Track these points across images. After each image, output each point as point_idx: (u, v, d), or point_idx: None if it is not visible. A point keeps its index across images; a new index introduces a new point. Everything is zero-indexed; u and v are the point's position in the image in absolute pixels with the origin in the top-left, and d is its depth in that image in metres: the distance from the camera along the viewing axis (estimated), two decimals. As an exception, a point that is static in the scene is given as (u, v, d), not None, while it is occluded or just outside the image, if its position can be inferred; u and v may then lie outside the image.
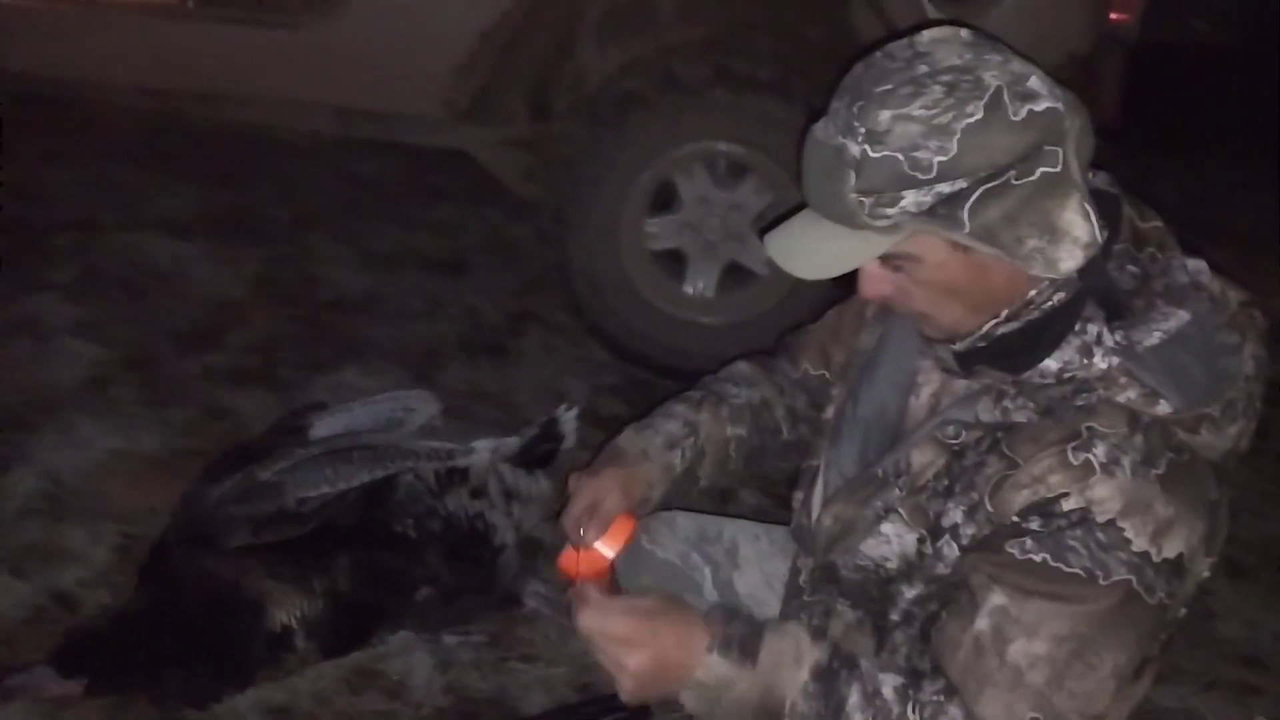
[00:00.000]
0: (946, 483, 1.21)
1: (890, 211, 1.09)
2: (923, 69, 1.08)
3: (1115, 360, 1.12)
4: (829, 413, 1.44)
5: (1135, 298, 1.15)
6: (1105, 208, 1.16)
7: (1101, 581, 1.08)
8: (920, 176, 1.06)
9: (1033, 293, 1.15)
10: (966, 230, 1.08)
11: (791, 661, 1.15)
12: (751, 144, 2.68)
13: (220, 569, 1.85)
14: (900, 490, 1.25)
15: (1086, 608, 1.09)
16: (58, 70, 3.02)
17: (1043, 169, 1.07)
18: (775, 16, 2.84)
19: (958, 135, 1.05)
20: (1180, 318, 1.13)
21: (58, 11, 3.00)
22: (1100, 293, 1.16)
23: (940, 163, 1.06)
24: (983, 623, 1.11)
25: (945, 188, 1.07)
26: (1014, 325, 1.16)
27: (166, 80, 2.99)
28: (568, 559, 1.42)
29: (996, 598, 1.11)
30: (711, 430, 1.50)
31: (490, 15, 2.65)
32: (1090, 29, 2.61)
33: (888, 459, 1.29)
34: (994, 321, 1.17)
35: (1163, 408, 1.10)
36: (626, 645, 1.15)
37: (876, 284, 1.18)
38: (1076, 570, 1.08)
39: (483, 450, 2.03)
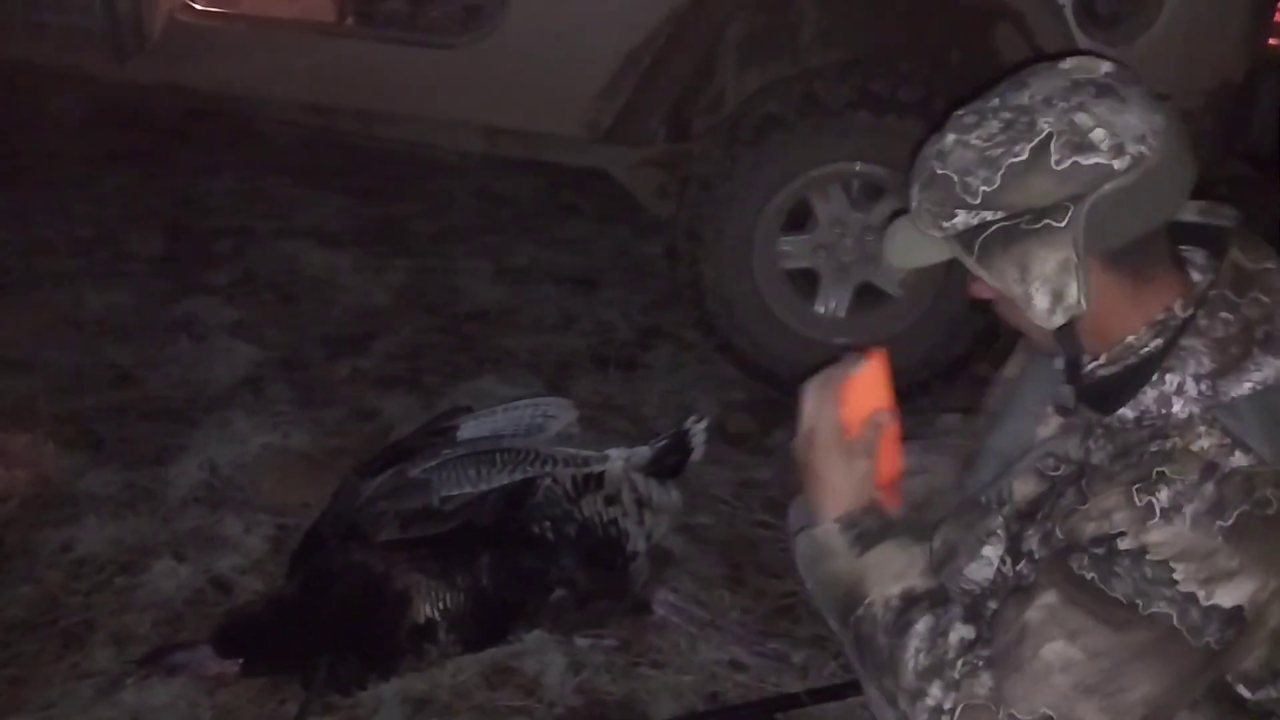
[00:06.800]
0: (1032, 508, 1.26)
1: (944, 225, 1.20)
2: (995, 101, 1.19)
3: (1196, 409, 1.12)
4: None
5: (1231, 345, 1.14)
6: (1209, 246, 1.20)
7: (1141, 611, 1.10)
8: (969, 200, 1.17)
9: (1131, 338, 1.18)
10: (974, 259, 1.19)
11: (893, 574, 1.27)
12: (891, 165, 2.68)
13: (369, 561, 1.93)
14: (1002, 517, 1.30)
15: (1126, 636, 1.11)
16: (226, 85, 3.19)
17: (1048, 220, 1.14)
18: (917, 39, 2.84)
19: (1002, 170, 1.15)
20: (1277, 368, 1.12)
21: (228, 29, 3.18)
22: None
23: (985, 192, 1.16)
24: (1032, 614, 1.15)
25: (989, 216, 1.16)
26: (1113, 369, 1.20)
27: (324, 96, 3.11)
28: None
29: (1049, 596, 1.15)
30: None
31: (635, 38, 2.70)
32: (1244, 55, 2.53)
33: (992, 487, 1.33)
34: (1095, 363, 1.22)
35: (1238, 459, 1.09)
36: (810, 466, 1.33)
37: (978, 287, 1.26)
38: (1118, 596, 1.11)
39: (616, 459, 2.08)
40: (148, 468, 2.48)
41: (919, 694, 1.20)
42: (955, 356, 2.78)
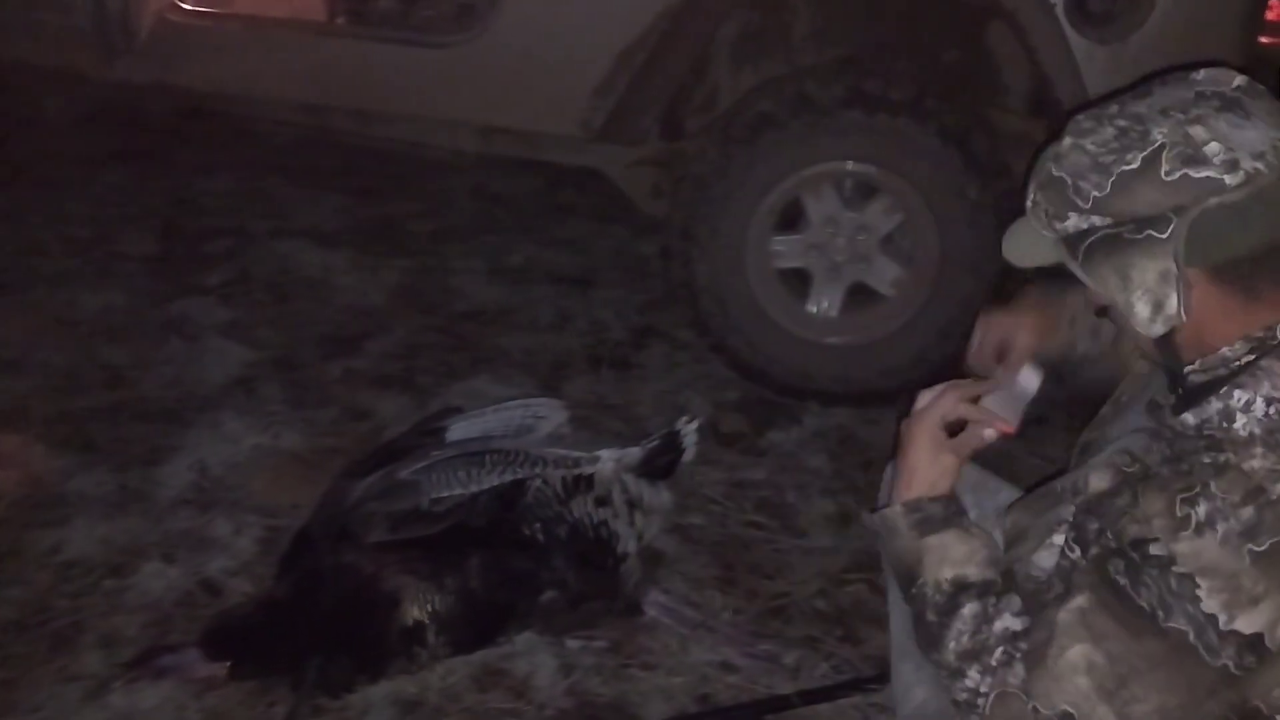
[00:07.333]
0: (1099, 502, 1.26)
1: (1057, 226, 1.22)
2: (1114, 108, 1.19)
3: (1258, 430, 1.12)
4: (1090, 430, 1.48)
5: None
6: None
7: (1161, 622, 1.10)
8: (1080, 204, 1.18)
9: (1226, 350, 1.19)
10: (1079, 263, 1.21)
11: (950, 560, 1.29)
12: (884, 164, 2.67)
13: (359, 562, 1.93)
14: (1074, 507, 1.30)
15: (1143, 645, 1.12)
16: (216, 84, 3.17)
17: (1150, 231, 1.15)
18: (910, 38, 2.83)
19: (1113, 177, 1.15)
20: None
21: (217, 28, 3.17)
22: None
23: (1096, 197, 1.17)
24: (1064, 615, 1.16)
25: (1098, 221, 1.18)
26: (1203, 378, 1.21)
27: (317, 95, 3.10)
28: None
29: (1082, 598, 1.16)
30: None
31: (628, 36, 2.69)
32: (1237, 53, 2.52)
33: (1069, 477, 1.34)
34: (1189, 368, 1.23)
35: None
36: (904, 446, 1.38)
37: (1094, 295, 1.27)
38: (1143, 604, 1.11)
39: (607, 460, 2.07)
40: (139, 468, 2.48)
41: (958, 673, 1.23)
42: (947, 357, 2.77)
